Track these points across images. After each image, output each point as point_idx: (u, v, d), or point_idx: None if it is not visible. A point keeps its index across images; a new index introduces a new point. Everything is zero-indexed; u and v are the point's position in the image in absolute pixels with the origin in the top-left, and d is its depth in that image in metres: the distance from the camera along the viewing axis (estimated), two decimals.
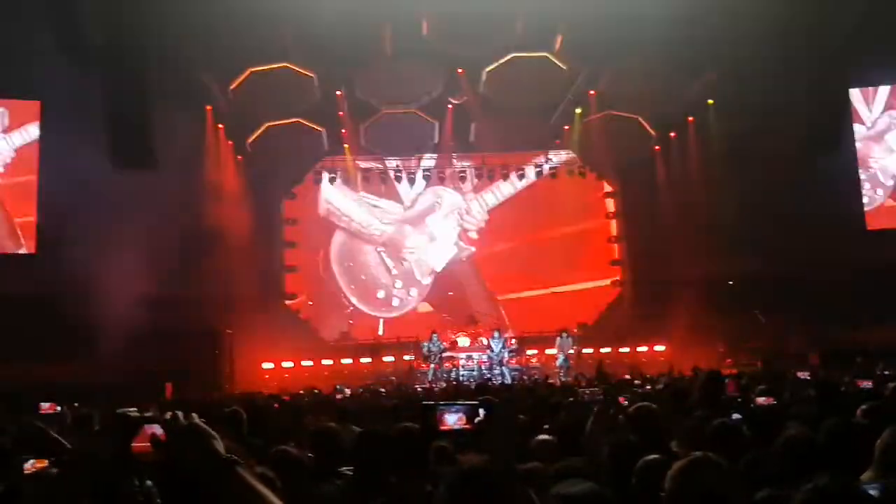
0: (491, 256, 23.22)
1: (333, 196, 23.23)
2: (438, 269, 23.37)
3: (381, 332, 22.49)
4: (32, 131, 17.92)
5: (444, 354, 18.93)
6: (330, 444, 4.40)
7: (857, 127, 19.78)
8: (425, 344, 18.84)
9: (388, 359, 20.68)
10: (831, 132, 15.68)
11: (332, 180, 22.64)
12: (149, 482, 2.72)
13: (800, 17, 14.44)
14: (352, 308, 22.94)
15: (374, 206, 23.55)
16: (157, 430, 1.76)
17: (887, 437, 3.45)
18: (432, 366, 18.49)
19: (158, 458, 1.76)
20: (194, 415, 1.76)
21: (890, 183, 20.04)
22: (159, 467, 1.83)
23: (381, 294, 23.07)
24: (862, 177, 19.80)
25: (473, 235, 23.61)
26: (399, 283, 23.18)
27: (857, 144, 19.76)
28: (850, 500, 2.07)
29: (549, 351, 19.81)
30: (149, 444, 1.77)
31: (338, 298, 22.91)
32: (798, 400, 6.67)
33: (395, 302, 23.05)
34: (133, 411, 1.82)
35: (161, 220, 16.00)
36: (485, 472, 1.82)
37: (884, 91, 20.06)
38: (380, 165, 22.76)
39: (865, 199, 19.86)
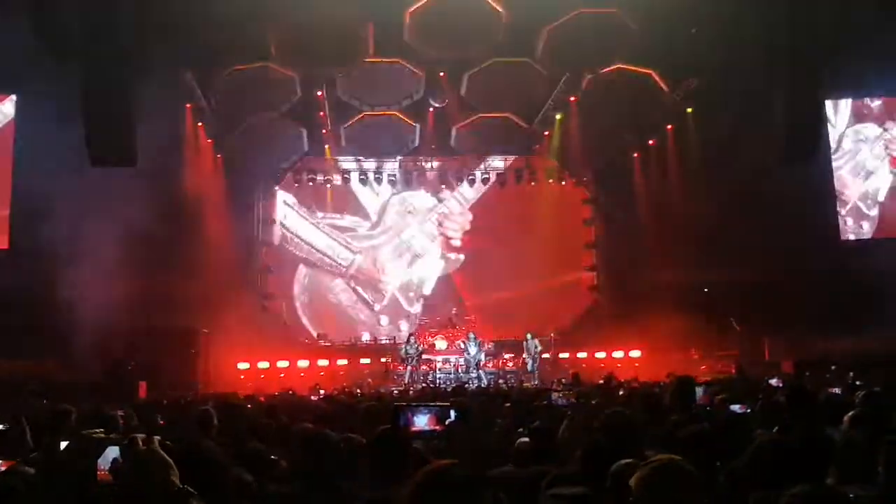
0: (468, 263, 22.90)
1: (291, 222, 22.37)
2: (427, 293, 22.68)
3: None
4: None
5: (422, 357, 18.92)
6: (321, 449, 4.34)
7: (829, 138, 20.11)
8: (403, 346, 18.83)
9: (365, 360, 20.61)
10: (807, 142, 15.88)
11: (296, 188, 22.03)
12: None
13: (779, 26, 14.59)
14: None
15: (338, 228, 22.40)
16: (118, 453, 1.76)
17: (845, 444, 3.51)
18: (409, 368, 18.46)
19: (117, 483, 1.75)
20: (156, 438, 1.76)
21: (873, 213, 20.40)
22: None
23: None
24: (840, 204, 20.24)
25: (457, 242, 22.94)
26: (385, 320, 22.45)
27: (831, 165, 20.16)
28: None
29: (525, 355, 19.85)
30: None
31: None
32: (769, 407, 6.72)
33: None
34: (99, 433, 1.81)
35: (138, 217, 15.82)
36: (449, 474, 1.83)
37: (846, 106, 20.47)
38: (358, 165, 22.62)
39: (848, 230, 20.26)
